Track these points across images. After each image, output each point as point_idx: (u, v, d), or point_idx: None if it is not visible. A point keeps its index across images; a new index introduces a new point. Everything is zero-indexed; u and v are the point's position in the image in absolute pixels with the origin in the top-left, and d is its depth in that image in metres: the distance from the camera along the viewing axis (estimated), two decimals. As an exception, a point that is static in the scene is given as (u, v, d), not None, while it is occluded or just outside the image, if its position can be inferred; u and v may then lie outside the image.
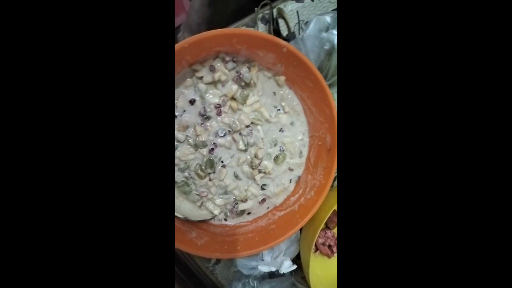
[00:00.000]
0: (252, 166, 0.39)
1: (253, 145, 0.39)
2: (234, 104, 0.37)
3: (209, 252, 0.35)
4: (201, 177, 0.38)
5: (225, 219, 0.40)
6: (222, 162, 0.38)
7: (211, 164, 0.37)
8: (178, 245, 0.33)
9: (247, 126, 0.38)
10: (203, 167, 0.38)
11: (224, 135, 0.37)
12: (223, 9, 0.94)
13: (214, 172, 0.38)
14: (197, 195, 0.39)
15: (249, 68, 0.36)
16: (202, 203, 0.39)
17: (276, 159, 0.40)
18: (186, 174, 0.38)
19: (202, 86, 0.36)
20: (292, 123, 0.40)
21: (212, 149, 0.38)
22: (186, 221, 0.37)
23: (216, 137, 0.37)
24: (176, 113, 0.36)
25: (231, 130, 0.38)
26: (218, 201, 0.39)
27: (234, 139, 0.38)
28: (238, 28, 0.31)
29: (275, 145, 0.40)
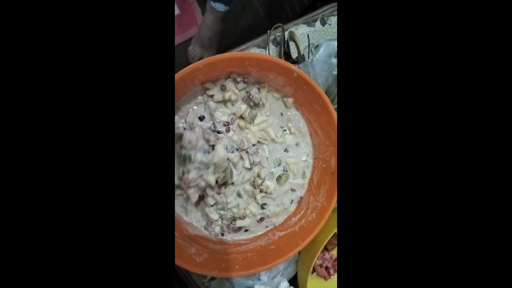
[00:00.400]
0: (254, 185, 0.39)
1: (257, 164, 0.39)
2: (242, 122, 0.38)
3: (207, 270, 0.35)
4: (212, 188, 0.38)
5: (222, 234, 0.40)
6: (231, 178, 0.39)
7: (229, 174, 0.38)
8: (178, 261, 0.33)
9: (254, 145, 0.39)
10: (219, 178, 0.38)
11: (232, 152, 0.38)
12: (234, 25, 0.96)
13: (225, 188, 0.39)
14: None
15: (259, 89, 0.37)
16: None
17: (278, 179, 0.40)
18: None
19: (212, 104, 0.37)
20: (297, 144, 0.41)
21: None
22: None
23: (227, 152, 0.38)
24: (186, 128, 0.37)
25: (238, 148, 0.38)
26: (214, 214, 0.39)
27: (241, 157, 0.38)
28: (251, 52, 0.32)
29: (279, 164, 0.40)
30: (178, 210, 0.39)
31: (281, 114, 0.40)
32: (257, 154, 0.39)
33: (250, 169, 0.39)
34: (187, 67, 0.30)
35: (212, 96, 0.36)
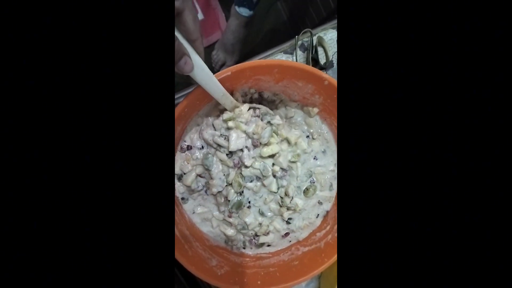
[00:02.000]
0: (281, 204, 0.38)
1: (285, 185, 0.37)
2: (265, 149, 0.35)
3: (229, 284, 0.33)
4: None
5: (244, 248, 0.39)
6: (249, 202, 0.37)
7: (239, 205, 0.36)
8: (199, 273, 0.32)
9: (283, 169, 0.37)
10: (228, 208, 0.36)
11: (251, 181, 0.36)
12: (258, 29, 0.96)
13: (237, 213, 0.37)
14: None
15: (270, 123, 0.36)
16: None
17: (306, 191, 0.38)
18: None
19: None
20: (324, 152, 0.39)
21: (242, 191, 0.36)
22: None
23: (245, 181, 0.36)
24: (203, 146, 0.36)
25: (260, 177, 0.36)
26: (229, 231, 0.37)
27: (263, 184, 0.36)
28: (281, 60, 0.31)
29: (310, 176, 0.38)
30: (198, 219, 0.38)
31: (304, 121, 0.38)
32: (285, 177, 0.37)
33: (276, 192, 0.37)
34: (216, 74, 0.29)
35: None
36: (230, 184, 0.35)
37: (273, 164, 0.36)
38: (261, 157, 0.35)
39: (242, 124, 0.34)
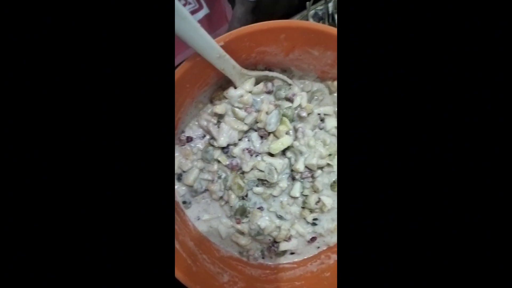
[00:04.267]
0: (304, 206, 0.31)
1: (309, 187, 0.30)
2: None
3: (244, 305, 0.27)
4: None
5: (262, 257, 0.32)
6: (259, 208, 0.30)
7: (242, 211, 0.30)
8: (206, 294, 0.26)
9: (311, 170, 0.30)
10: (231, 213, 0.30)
11: (257, 186, 0.30)
12: (269, 15, 0.89)
13: (247, 217, 0.30)
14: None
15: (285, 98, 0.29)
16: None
17: (333, 185, 0.31)
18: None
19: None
20: None
21: (246, 195, 0.30)
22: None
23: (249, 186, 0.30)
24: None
25: (265, 182, 0.29)
26: (242, 239, 0.31)
27: (273, 195, 0.30)
28: (287, 20, 0.24)
29: None
30: (204, 227, 0.32)
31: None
32: (312, 179, 0.30)
33: (297, 197, 0.30)
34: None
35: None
36: (230, 188, 0.29)
37: (291, 162, 0.29)
38: (270, 154, 0.29)
39: (239, 111, 0.28)
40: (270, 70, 0.30)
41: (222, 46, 0.24)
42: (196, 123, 0.30)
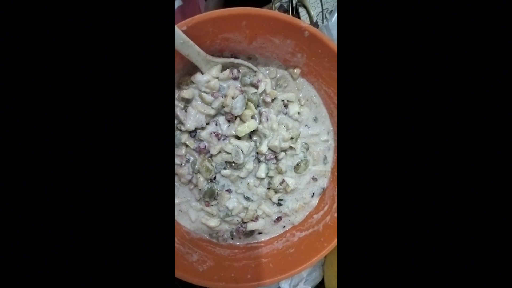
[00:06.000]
0: (269, 187, 0.33)
1: (274, 168, 0.32)
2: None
3: (212, 281, 0.29)
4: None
5: (232, 238, 0.34)
6: (227, 191, 0.32)
7: (211, 193, 0.31)
8: (176, 272, 0.27)
9: (274, 152, 0.31)
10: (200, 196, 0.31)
11: (225, 168, 0.31)
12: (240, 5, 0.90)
13: (215, 199, 0.32)
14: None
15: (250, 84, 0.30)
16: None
17: (297, 167, 0.33)
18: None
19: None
20: (315, 119, 0.33)
21: (214, 177, 0.31)
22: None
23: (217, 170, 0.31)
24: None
25: (233, 163, 0.30)
26: (212, 221, 0.32)
27: (240, 176, 0.31)
28: (247, 8, 0.26)
29: (307, 149, 0.33)
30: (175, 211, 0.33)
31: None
32: (276, 160, 0.32)
33: (263, 178, 0.32)
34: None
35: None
36: (199, 171, 0.30)
37: (257, 144, 0.31)
38: (237, 137, 0.30)
39: (206, 95, 0.29)
40: (235, 57, 0.31)
41: (184, 31, 0.25)
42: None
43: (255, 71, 0.31)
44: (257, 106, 0.31)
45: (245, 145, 0.30)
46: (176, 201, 0.32)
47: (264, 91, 0.31)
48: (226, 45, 0.29)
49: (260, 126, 0.30)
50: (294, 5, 0.41)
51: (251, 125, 0.30)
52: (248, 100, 0.30)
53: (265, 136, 0.31)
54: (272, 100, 0.32)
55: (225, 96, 0.29)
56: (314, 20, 0.41)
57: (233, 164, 0.31)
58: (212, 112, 0.29)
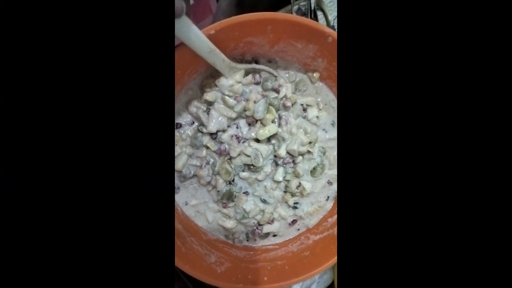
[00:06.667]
0: (285, 190, 0.33)
1: (291, 172, 0.32)
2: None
3: (231, 283, 0.29)
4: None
5: (247, 240, 0.34)
6: (244, 193, 0.32)
7: (229, 195, 0.31)
8: (195, 273, 0.28)
9: (292, 156, 0.32)
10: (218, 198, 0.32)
11: (243, 170, 0.31)
12: (253, 8, 0.90)
13: (233, 201, 0.32)
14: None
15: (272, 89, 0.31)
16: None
17: (313, 171, 0.33)
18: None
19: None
20: (333, 123, 0.34)
21: (233, 179, 0.31)
22: None
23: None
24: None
25: (252, 166, 0.31)
26: (229, 223, 0.33)
27: (258, 179, 0.32)
28: (274, 13, 0.26)
29: (324, 154, 0.33)
30: (192, 212, 0.33)
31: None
32: (294, 164, 0.32)
33: (280, 182, 0.32)
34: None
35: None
36: (218, 173, 0.30)
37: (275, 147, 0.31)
38: (256, 140, 0.30)
39: (229, 99, 0.29)
40: (256, 60, 0.31)
41: (212, 35, 0.25)
42: (186, 110, 0.31)
43: (276, 76, 0.31)
44: (277, 110, 0.31)
45: (264, 148, 0.31)
46: (194, 202, 0.32)
47: (285, 95, 0.31)
48: (248, 48, 0.29)
49: (280, 130, 0.31)
50: (312, 8, 0.41)
51: (271, 129, 0.30)
52: (270, 104, 0.30)
53: (283, 139, 0.31)
54: (292, 105, 0.32)
55: (247, 100, 0.29)
56: (331, 24, 0.41)
57: (252, 167, 0.31)
58: (234, 115, 0.29)
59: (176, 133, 0.31)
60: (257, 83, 0.30)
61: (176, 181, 0.32)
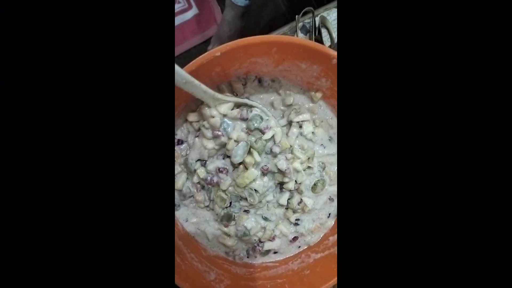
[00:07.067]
0: (287, 207, 0.33)
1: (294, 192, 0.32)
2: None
3: (230, 302, 0.29)
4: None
5: (247, 257, 0.34)
6: (245, 211, 0.32)
7: (228, 217, 0.31)
8: (194, 291, 0.28)
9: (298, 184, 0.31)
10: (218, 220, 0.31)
11: (240, 200, 0.31)
12: (256, 20, 0.91)
13: (234, 220, 0.32)
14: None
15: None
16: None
17: (314, 187, 0.33)
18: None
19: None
20: (330, 139, 0.34)
21: (230, 204, 0.31)
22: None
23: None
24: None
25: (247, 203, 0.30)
26: (230, 240, 0.32)
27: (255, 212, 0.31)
28: (279, 35, 0.26)
29: (324, 169, 0.33)
30: (192, 229, 0.33)
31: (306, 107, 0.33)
32: (298, 185, 0.31)
33: (284, 205, 0.32)
34: (202, 56, 0.25)
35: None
36: (214, 200, 0.30)
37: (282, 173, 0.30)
38: (238, 186, 0.28)
39: (206, 131, 0.27)
40: (260, 79, 0.32)
41: (218, 56, 0.25)
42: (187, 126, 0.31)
43: (268, 116, 0.29)
44: (260, 154, 0.29)
45: (258, 184, 0.29)
46: (194, 220, 0.32)
47: (273, 139, 0.29)
48: (253, 67, 0.30)
49: (258, 182, 0.29)
50: (316, 26, 0.41)
51: (250, 176, 0.28)
52: (251, 147, 0.28)
53: (290, 179, 0.30)
54: (281, 151, 0.29)
55: (229, 137, 0.28)
56: (335, 41, 0.42)
57: (248, 205, 0.30)
58: (216, 147, 0.28)
59: (177, 150, 0.31)
60: (243, 119, 0.28)
61: (177, 199, 0.32)
